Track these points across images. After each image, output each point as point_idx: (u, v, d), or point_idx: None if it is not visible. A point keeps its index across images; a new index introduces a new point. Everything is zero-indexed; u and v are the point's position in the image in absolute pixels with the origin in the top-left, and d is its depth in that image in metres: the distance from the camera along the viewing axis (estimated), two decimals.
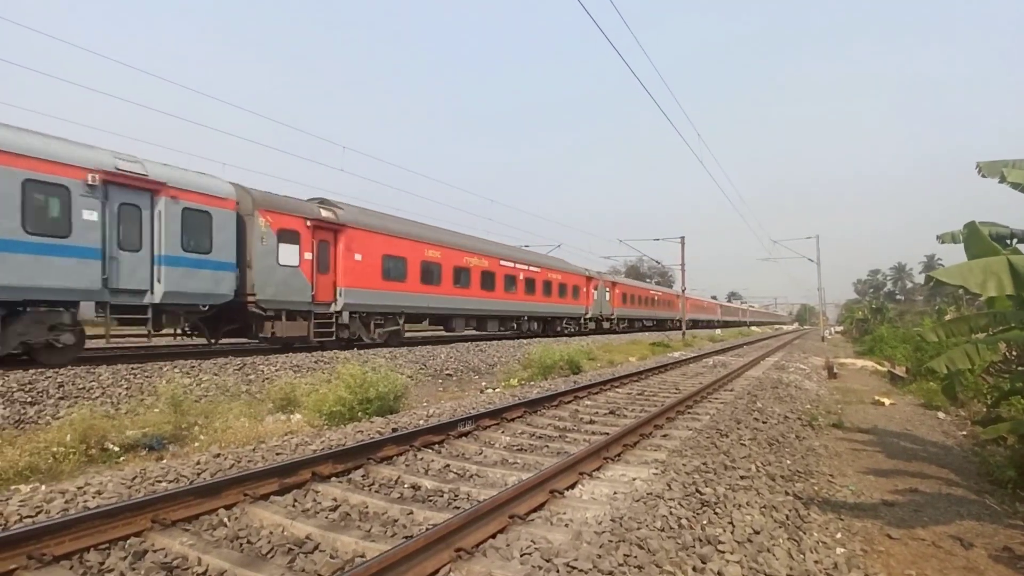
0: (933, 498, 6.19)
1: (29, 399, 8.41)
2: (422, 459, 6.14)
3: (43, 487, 5.07)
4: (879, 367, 22.30)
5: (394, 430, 7.22)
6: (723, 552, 3.90)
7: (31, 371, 9.38)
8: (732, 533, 4.24)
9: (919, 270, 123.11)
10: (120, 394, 9.27)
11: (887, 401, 13.18)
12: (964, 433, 9.92)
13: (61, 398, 8.69)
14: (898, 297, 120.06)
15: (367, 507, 4.63)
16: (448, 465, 5.91)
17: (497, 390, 12.86)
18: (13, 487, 5.54)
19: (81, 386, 9.21)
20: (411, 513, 4.46)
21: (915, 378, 16.70)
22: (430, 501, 4.85)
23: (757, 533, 4.34)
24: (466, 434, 7.30)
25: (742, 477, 5.70)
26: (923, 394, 13.95)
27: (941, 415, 11.68)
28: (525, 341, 24.35)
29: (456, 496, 4.94)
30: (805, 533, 4.75)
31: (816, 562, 4.23)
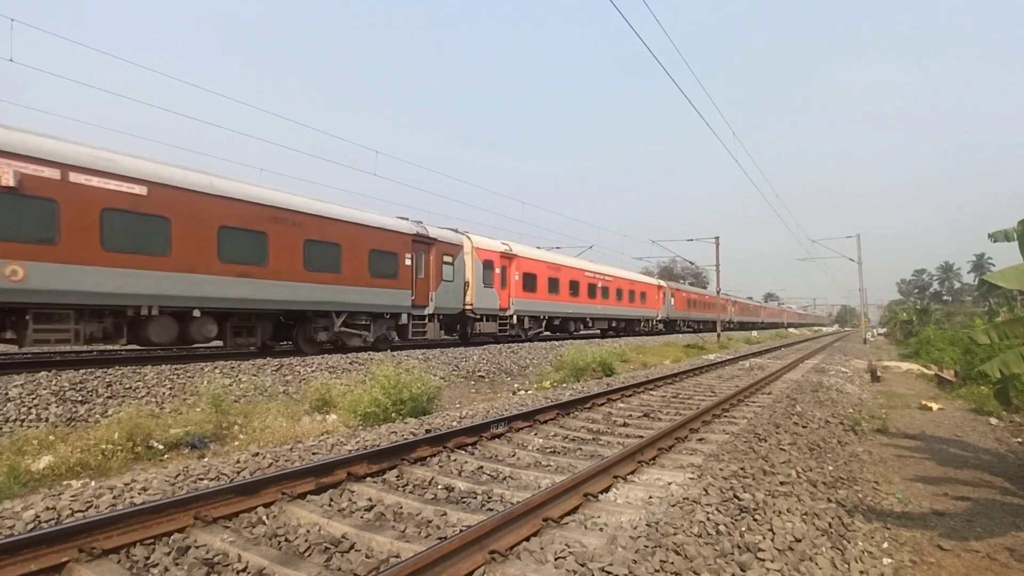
0: (987, 508, 5.92)
1: (80, 398, 8.75)
2: (455, 460, 6.17)
3: (93, 483, 5.27)
4: (925, 371, 21.46)
5: (427, 431, 7.26)
6: (763, 560, 3.80)
7: (82, 371, 9.75)
8: (772, 540, 4.12)
9: (967, 269, 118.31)
10: (164, 394, 9.57)
11: (935, 406, 12.67)
12: (1019, 440, 9.47)
13: (109, 397, 9.01)
14: (945, 298, 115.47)
15: (401, 507, 4.66)
16: (481, 467, 5.92)
17: (529, 392, 12.84)
18: (65, 482, 5.79)
19: (128, 386, 9.54)
20: (445, 514, 4.47)
21: (964, 382, 16.02)
22: (464, 503, 4.86)
23: (798, 541, 4.21)
24: (499, 436, 7.30)
25: (782, 483, 5.54)
26: (973, 399, 13.37)
27: (993, 421, 11.18)
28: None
29: (489, 498, 4.94)
30: (849, 542, 4.60)
31: (862, 572, 4.09)
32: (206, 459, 6.43)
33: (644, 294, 37.35)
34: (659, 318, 40.52)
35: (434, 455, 6.26)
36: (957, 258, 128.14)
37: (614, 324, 34.16)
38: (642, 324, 38.21)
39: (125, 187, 10.84)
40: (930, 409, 12.47)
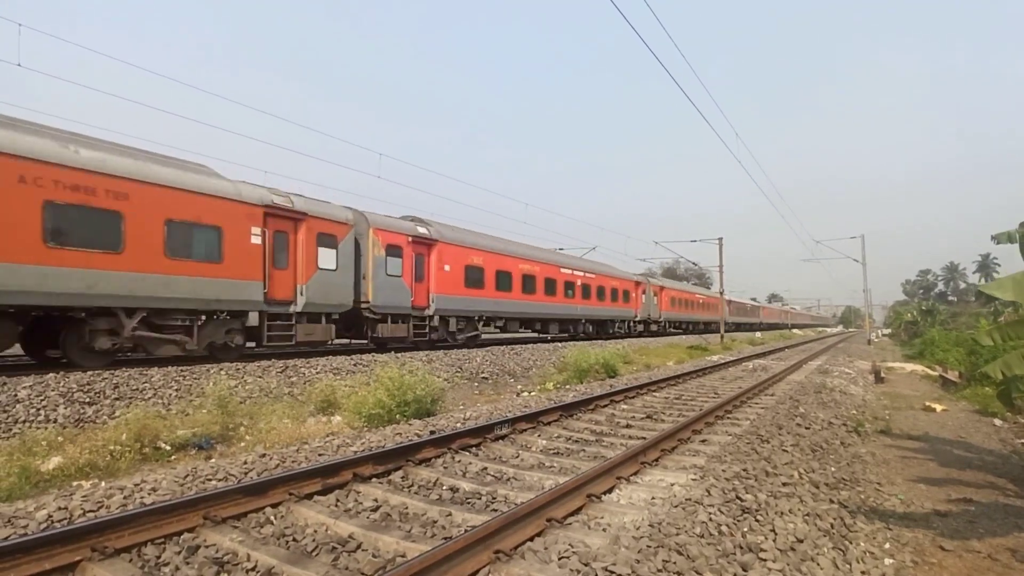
0: (989, 509, 5.94)
1: (88, 399, 8.83)
2: (460, 461, 6.22)
3: (103, 483, 5.34)
4: (930, 372, 21.42)
5: (432, 432, 7.32)
6: (765, 560, 3.84)
7: (89, 372, 9.84)
8: (774, 541, 4.16)
9: (972, 270, 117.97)
10: (170, 395, 9.65)
11: (938, 407, 12.67)
12: (1022, 441, 9.47)
13: (117, 398, 9.09)
14: (950, 298, 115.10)
15: (407, 508, 4.72)
16: (485, 468, 5.97)
17: (532, 393, 12.88)
18: (76, 483, 5.86)
19: (135, 387, 9.61)
20: (450, 515, 4.52)
21: (969, 383, 15.99)
22: (468, 503, 4.91)
23: (800, 541, 4.25)
24: (503, 437, 7.35)
25: (784, 484, 5.58)
26: (978, 400, 13.35)
27: (997, 422, 11.17)
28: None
29: (494, 499, 4.99)
30: (851, 542, 4.63)
31: (863, 572, 4.12)
32: (213, 460, 6.49)
33: (617, 291, 33.51)
34: (638, 318, 36.97)
35: (439, 456, 6.31)
36: (962, 258, 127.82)
37: (581, 325, 29.78)
38: (616, 326, 34.26)
39: None
40: (934, 410, 12.47)
